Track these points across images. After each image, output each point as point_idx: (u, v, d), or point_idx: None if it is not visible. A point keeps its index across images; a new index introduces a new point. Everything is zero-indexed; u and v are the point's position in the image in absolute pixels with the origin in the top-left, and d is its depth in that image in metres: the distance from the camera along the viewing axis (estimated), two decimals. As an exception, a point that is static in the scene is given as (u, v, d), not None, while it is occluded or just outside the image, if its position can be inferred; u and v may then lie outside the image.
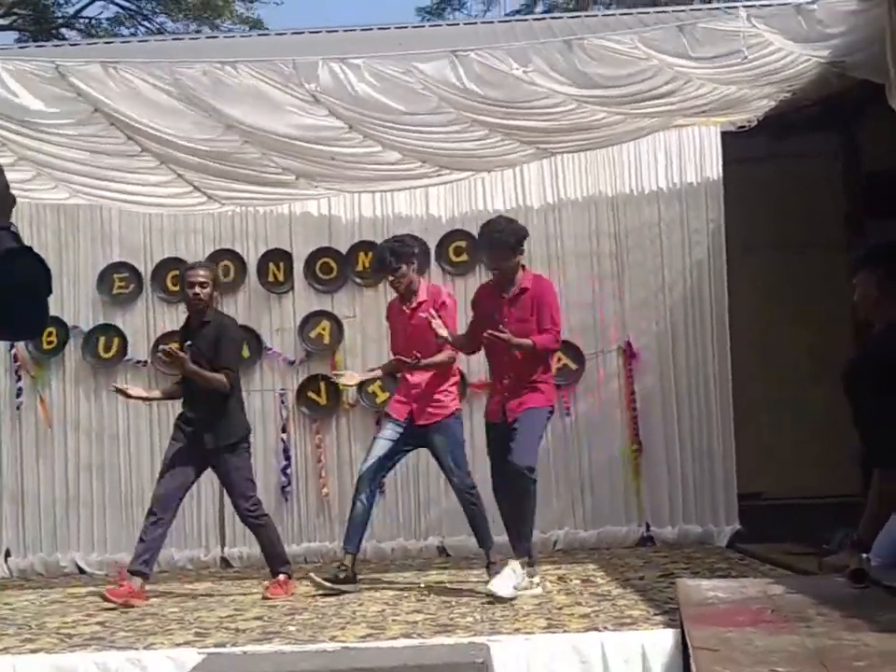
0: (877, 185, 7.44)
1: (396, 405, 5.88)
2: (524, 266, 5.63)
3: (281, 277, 7.26)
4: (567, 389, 7.11)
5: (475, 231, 7.15)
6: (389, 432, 5.80)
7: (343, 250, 7.26)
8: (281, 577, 5.84)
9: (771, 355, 7.97)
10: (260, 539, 5.94)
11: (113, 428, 7.11)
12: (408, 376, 5.83)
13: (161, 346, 6.23)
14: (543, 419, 5.55)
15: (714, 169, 7.19)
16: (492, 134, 6.18)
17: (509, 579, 5.28)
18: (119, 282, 7.27)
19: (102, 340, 7.23)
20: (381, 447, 5.78)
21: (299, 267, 7.24)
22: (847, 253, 7.13)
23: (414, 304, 5.84)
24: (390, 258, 5.77)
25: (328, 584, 5.65)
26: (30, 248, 2.10)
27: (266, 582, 5.89)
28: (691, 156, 7.21)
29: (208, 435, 5.76)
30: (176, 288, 7.18)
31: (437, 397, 5.81)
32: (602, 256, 7.23)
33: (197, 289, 5.81)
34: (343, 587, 5.66)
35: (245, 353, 6.81)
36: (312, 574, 5.76)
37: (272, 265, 7.27)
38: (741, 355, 7.25)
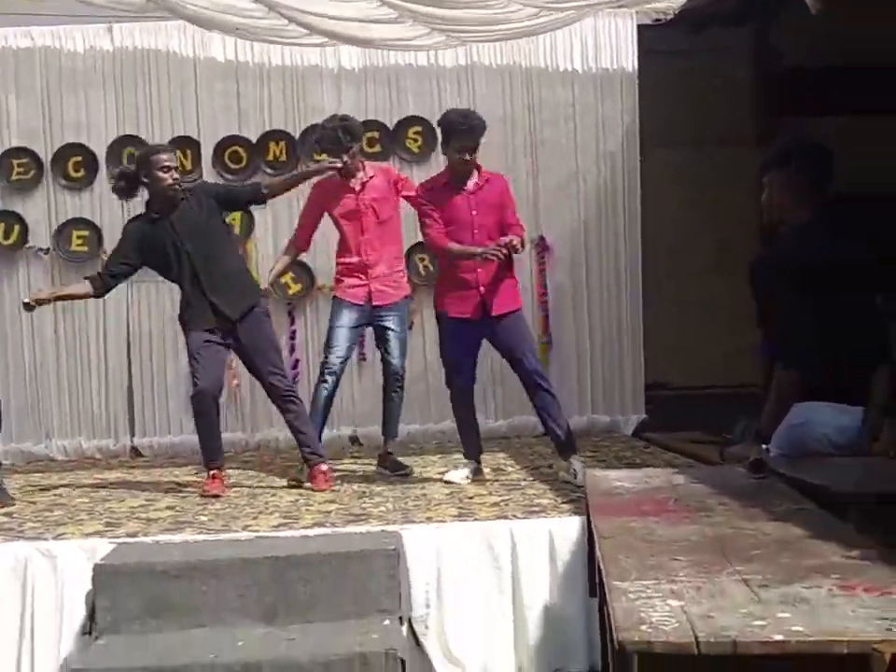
0: (791, 81, 7.48)
1: (351, 290, 5.75)
2: None
3: (188, 165, 7.06)
4: (480, 281, 7.14)
5: (388, 120, 7.06)
6: (347, 318, 5.73)
7: (254, 139, 7.08)
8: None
9: (680, 249, 8.06)
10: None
11: (14, 316, 6.93)
12: (356, 260, 5.73)
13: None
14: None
15: (629, 60, 7.16)
16: (401, 19, 6.04)
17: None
18: (17, 167, 7.01)
19: (1, 226, 6.99)
20: (345, 336, 5.73)
21: (207, 155, 7.06)
22: (758, 150, 7.19)
23: (365, 179, 5.72)
24: (344, 135, 5.59)
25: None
26: None
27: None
28: (606, 43, 7.16)
29: (228, 309, 5.38)
30: (79, 174, 6.98)
31: (395, 276, 5.81)
32: (517, 144, 7.17)
33: (175, 174, 5.36)
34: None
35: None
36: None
37: (178, 153, 7.04)
38: (651, 248, 7.34)
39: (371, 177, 5.76)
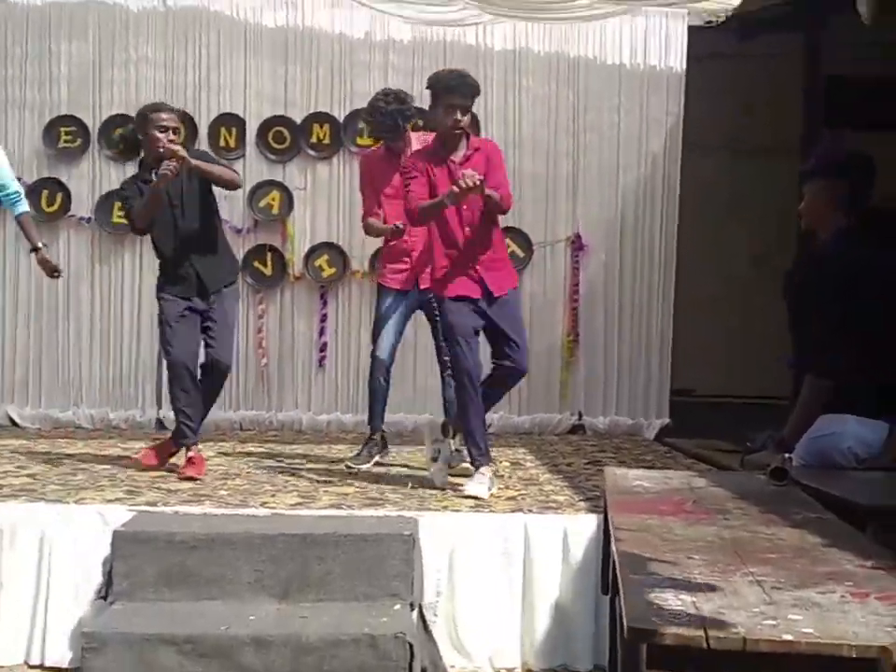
0: (838, 91, 7.42)
1: (394, 276, 5.61)
2: None
3: (232, 143, 7.11)
4: (513, 276, 7.16)
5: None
6: (396, 306, 5.58)
7: (298, 120, 7.11)
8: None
9: (716, 256, 8.04)
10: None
11: (53, 284, 6.99)
12: (403, 244, 5.56)
13: (162, 168, 5.13)
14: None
15: (678, 60, 7.14)
16: (453, 1, 6.06)
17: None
18: (65, 135, 7.07)
19: (45, 193, 7.06)
20: (394, 325, 5.59)
21: (251, 134, 7.10)
22: (801, 159, 7.15)
23: (408, 152, 5.41)
24: (401, 122, 5.44)
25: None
26: None
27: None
28: (655, 42, 7.15)
29: (209, 280, 5.29)
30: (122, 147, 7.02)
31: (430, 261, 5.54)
32: (559, 124, 7.18)
33: (171, 135, 5.16)
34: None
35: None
36: (348, 463, 5.58)
37: (223, 130, 7.11)
38: (686, 253, 7.31)
39: (417, 151, 5.29)
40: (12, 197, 5.62)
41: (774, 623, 1.95)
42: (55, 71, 7.07)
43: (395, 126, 5.46)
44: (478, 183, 4.62)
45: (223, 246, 5.49)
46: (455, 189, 4.65)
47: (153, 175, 5.19)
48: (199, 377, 5.34)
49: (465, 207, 4.87)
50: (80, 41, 7.06)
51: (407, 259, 5.60)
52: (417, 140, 5.58)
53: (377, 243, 6.21)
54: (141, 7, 7.05)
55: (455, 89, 4.83)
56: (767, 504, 3.15)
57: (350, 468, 5.54)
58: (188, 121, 6.88)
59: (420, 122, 6.18)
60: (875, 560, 2.42)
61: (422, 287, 5.55)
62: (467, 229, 4.91)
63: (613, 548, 2.73)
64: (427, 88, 5.00)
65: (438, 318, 5.41)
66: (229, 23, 7.07)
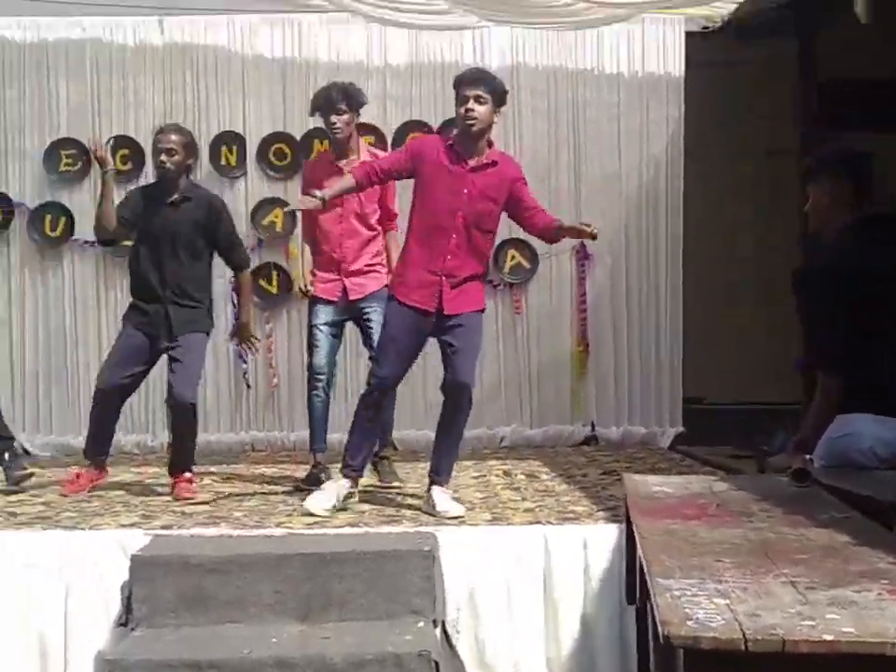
0: (834, 94, 7.42)
1: (323, 285, 5.43)
2: None
3: (233, 161, 7.11)
4: (519, 288, 7.14)
5: (433, 119, 7.04)
6: (324, 315, 5.43)
7: (298, 136, 7.11)
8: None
9: (721, 260, 8.01)
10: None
11: (59, 307, 6.99)
12: (332, 252, 5.40)
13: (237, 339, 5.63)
14: (482, 328, 4.92)
15: (676, 66, 7.16)
16: (454, 9, 6.06)
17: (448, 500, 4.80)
18: (65, 159, 7.08)
19: (48, 218, 7.06)
20: (321, 334, 5.44)
21: (251, 151, 7.10)
22: (798, 161, 7.15)
23: (356, 164, 5.08)
24: (338, 96, 5.24)
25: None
26: None
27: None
28: (653, 48, 7.17)
29: (178, 323, 5.27)
30: (126, 167, 7.02)
31: (369, 266, 5.44)
32: (560, 137, 7.18)
33: (164, 157, 5.20)
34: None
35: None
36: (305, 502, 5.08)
37: (224, 148, 7.12)
38: (692, 257, 7.29)
39: (364, 162, 5.06)
40: None
41: (812, 623, 1.92)
42: (54, 99, 7.09)
43: (328, 98, 5.25)
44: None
45: (203, 298, 5.39)
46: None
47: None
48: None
49: (459, 212, 4.62)
50: (78, 74, 7.08)
51: (336, 270, 5.44)
52: (366, 150, 5.47)
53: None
54: (139, 41, 7.08)
55: (462, 79, 4.68)
56: (792, 505, 3.12)
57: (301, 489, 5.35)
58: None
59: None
60: (907, 558, 2.39)
61: (352, 297, 5.41)
62: (454, 236, 4.64)
63: (639, 554, 2.71)
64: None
65: (370, 327, 5.33)
66: (226, 44, 7.08)
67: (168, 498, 5.27)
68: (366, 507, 5.02)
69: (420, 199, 4.71)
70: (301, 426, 7.02)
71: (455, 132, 4.82)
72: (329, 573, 4.08)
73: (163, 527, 4.58)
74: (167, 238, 5.27)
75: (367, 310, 5.43)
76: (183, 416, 5.35)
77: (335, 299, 5.46)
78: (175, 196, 5.29)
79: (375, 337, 5.15)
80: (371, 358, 5.25)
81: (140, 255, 5.35)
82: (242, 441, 6.98)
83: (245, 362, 7.01)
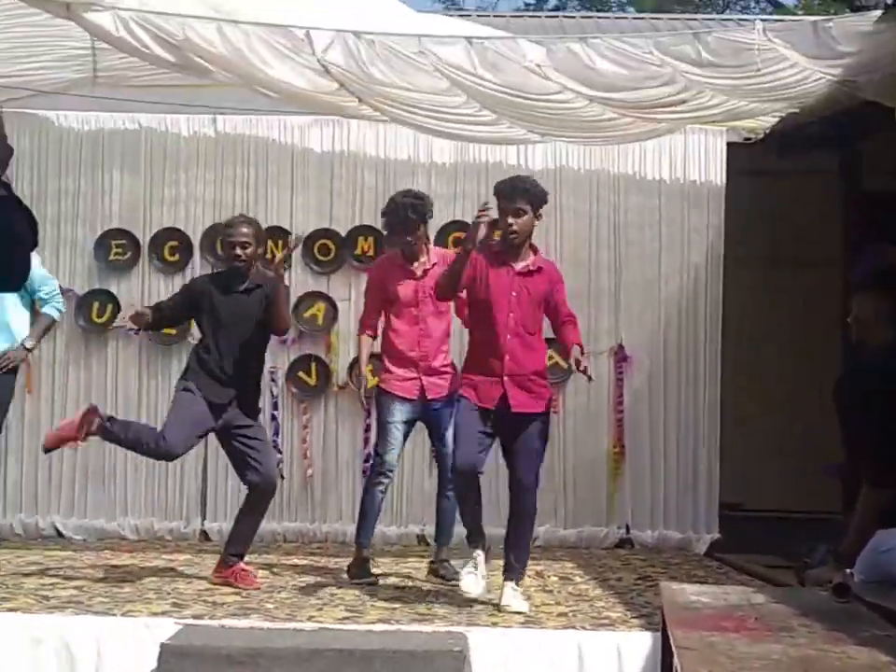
0: (876, 206, 7.47)
1: (401, 383, 5.55)
2: None
3: (279, 255, 7.21)
4: (556, 387, 7.12)
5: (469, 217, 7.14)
6: (400, 414, 5.53)
7: (343, 232, 7.24)
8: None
9: (759, 368, 8.01)
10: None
11: (101, 393, 7.07)
12: (410, 352, 5.55)
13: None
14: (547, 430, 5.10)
15: (717, 175, 7.23)
16: (500, 120, 6.18)
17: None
18: (115, 248, 7.23)
19: (95, 305, 7.19)
20: (398, 432, 5.54)
21: (298, 247, 7.21)
22: (840, 273, 7.18)
23: (427, 266, 5.53)
24: (412, 215, 5.47)
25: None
26: (20, 200, 2.04)
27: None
28: (695, 157, 7.24)
29: (249, 408, 5.51)
30: (174, 258, 7.17)
31: (444, 367, 5.61)
32: (601, 239, 7.25)
33: (238, 251, 5.42)
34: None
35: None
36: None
37: (270, 242, 7.23)
38: (730, 366, 7.28)
39: (435, 264, 5.54)
40: (54, 293, 5.94)
41: (854, 745, 1.89)
42: (108, 190, 7.26)
43: (405, 219, 5.48)
44: (489, 217, 4.80)
45: (255, 380, 5.61)
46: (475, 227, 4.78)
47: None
48: None
49: (511, 314, 4.90)
50: (132, 162, 7.26)
51: (414, 369, 5.57)
52: (435, 253, 5.67)
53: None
54: (192, 132, 7.27)
55: (500, 192, 4.98)
56: (832, 621, 3.07)
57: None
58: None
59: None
60: (952, 681, 2.35)
61: (430, 396, 5.54)
62: (509, 337, 4.92)
63: (677, 666, 2.67)
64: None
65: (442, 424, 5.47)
66: (277, 142, 7.26)
67: (199, 587, 5.27)
68: (398, 604, 4.99)
69: (473, 305, 5.02)
70: (334, 517, 7.08)
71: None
72: (358, 671, 4.04)
73: (194, 616, 4.58)
74: (241, 324, 5.46)
75: (437, 407, 5.56)
76: (270, 497, 5.57)
77: (413, 397, 5.56)
78: (248, 284, 5.50)
79: (446, 434, 5.38)
80: (434, 454, 5.72)
81: (211, 343, 5.48)
82: (273, 531, 6.96)
83: (280, 452, 7.04)
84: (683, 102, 5.88)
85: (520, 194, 4.94)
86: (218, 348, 5.46)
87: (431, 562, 5.79)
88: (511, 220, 4.91)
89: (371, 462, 5.76)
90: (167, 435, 5.35)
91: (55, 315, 6.11)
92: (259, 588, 5.31)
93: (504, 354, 4.90)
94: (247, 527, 5.57)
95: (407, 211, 5.50)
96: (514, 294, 4.92)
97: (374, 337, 5.75)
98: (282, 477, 7.05)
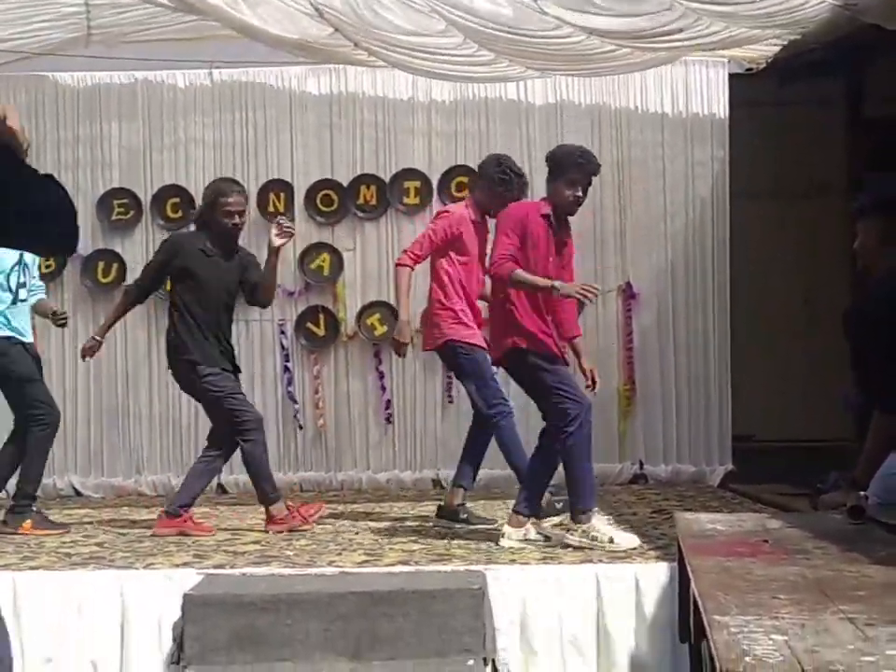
0: (882, 132, 7.40)
1: (480, 337, 5.47)
2: None
3: (281, 208, 7.21)
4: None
5: (477, 156, 7.08)
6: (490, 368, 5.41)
7: (345, 183, 7.21)
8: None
9: (767, 300, 7.99)
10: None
11: (111, 353, 7.09)
12: (472, 307, 5.52)
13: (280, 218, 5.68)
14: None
15: (720, 107, 7.16)
16: (498, 59, 6.13)
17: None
18: (118, 207, 7.22)
19: (100, 265, 7.19)
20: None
21: (299, 198, 7.20)
22: (845, 202, 7.12)
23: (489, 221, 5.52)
24: (520, 196, 5.47)
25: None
26: (51, 175, 2.30)
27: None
28: (697, 90, 7.17)
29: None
30: (177, 215, 7.15)
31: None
32: (604, 176, 7.11)
33: (238, 219, 5.42)
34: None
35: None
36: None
37: (272, 195, 7.22)
38: (738, 298, 7.27)
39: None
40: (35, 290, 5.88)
41: (872, 659, 1.91)
42: (106, 147, 7.22)
43: (514, 199, 5.38)
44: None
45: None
46: (576, 295, 4.74)
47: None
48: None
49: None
50: (130, 117, 7.21)
51: (475, 322, 5.55)
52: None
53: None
54: (188, 83, 7.22)
55: (581, 167, 4.91)
56: (847, 542, 3.10)
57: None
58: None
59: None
60: (967, 594, 2.37)
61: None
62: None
63: (694, 591, 2.70)
64: (547, 162, 5.06)
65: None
66: (274, 92, 7.21)
67: (220, 538, 5.32)
68: (416, 546, 5.04)
69: (525, 263, 4.84)
70: (349, 465, 7.12)
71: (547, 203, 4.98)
72: (378, 612, 4.10)
73: (215, 566, 4.62)
74: (230, 290, 5.56)
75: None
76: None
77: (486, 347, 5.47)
78: (236, 251, 5.58)
79: None
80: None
81: (200, 305, 5.47)
82: (290, 482, 7.01)
83: (296, 402, 7.08)
84: (681, 30, 5.82)
85: (595, 169, 5.04)
86: (207, 313, 5.47)
87: (440, 507, 5.67)
88: (580, 193, 4.92)
89: (496, 410, 5.44)
90: (253, 415, 5.59)
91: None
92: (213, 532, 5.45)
93: (548, 311, 4.96)
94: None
95: (523, 190, 5.54)
96: (551, 259, 4.94)
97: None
98: (300, 427, 7.12)
